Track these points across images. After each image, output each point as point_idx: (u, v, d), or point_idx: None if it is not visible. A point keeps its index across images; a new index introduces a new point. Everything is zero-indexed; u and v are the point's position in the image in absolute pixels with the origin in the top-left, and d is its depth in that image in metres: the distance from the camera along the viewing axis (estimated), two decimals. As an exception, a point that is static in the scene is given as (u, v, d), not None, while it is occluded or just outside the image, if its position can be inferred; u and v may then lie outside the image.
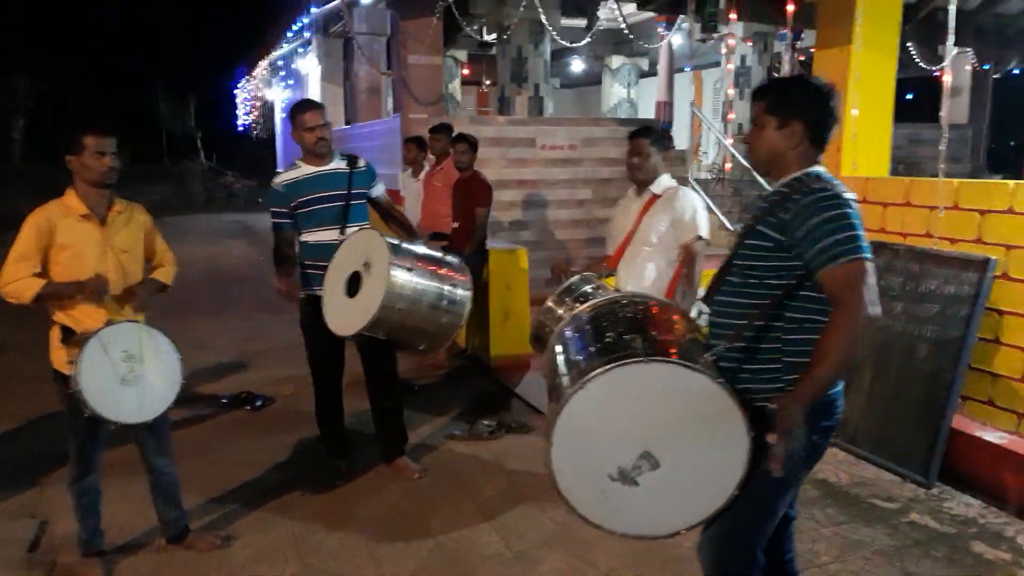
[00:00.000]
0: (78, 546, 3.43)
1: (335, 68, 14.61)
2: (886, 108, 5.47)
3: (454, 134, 6.59)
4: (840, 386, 2.28)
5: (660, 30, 10.74)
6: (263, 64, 18.28)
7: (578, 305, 3.18)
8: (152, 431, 3.37)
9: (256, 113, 21.55)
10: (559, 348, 2.49)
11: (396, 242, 3.74)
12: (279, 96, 19.73)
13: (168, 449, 3.48)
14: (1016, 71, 12.86)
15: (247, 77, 21.23)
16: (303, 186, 4.11)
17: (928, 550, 3.55)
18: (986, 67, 12.72)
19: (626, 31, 10.00)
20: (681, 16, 10.00)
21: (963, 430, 4.20)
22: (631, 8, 10.02)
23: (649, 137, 3.91)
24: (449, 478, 4.36)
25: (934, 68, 13.25)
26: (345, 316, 3.78)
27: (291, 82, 17.55)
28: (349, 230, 4.12)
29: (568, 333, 2.50)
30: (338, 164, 4.20)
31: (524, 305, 6.51)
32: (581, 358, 2.32)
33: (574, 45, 10.96)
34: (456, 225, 6.40)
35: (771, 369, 2.23)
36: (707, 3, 6.76)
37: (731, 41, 11.41)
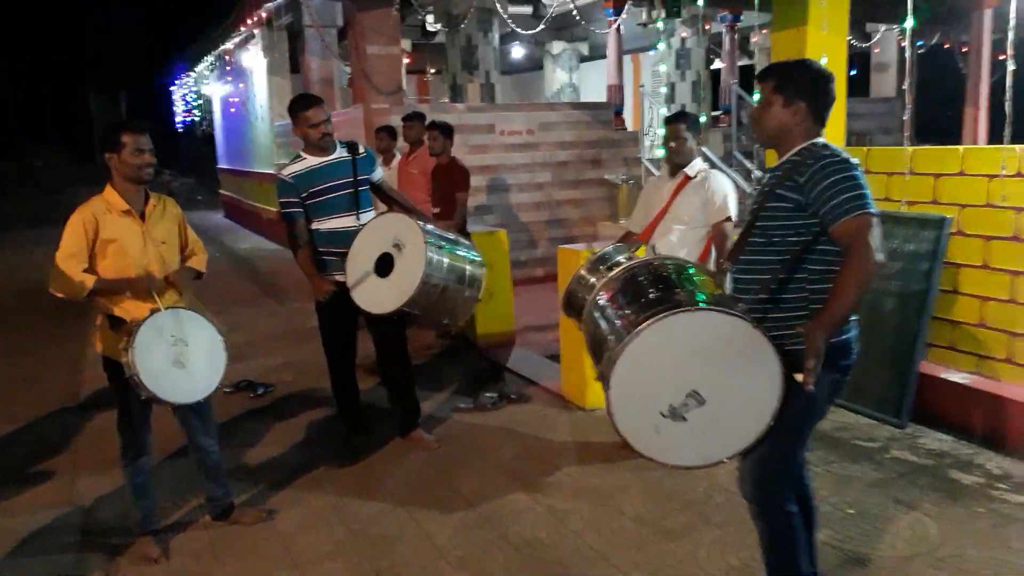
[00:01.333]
0: (133, 526, 3.58)
1: (280, 61, 14.55)
2: (839, 84, 5.86)
3: (429, 122, 6.79)
4: (855, 332, 2.61)
5: (608, 16, 11.06)
6: (207, 60, 18.00)
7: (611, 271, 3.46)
8: (198, 412, 3.55)
9: (198, 110, 21.21)
10: (604, 303, 2.74)
11: (425, 224, 3.96)
12: (219, 92, 19.47)
13: (213, 429, 3.67)
14: (942, 46, 13.61)
15: (186, 74, 20.85)
16: (312, 177, 4.28)
17: (912, 480, 3.95)
18: (919, 43, 13.42)
19: (577, 16, 10.28)
20: (629, 1, 10.35)
21: (930, 373, 4.64)
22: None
23: (686, 122, 4.20)
24: (464, 446, 4.62)
25: (865, 44, 13.93)
26: (379, 295, 3.97)
27: (231, 78, 17.37)
28: (364, 216, 4.31)
29: (613, 291, 2.76)
30: (341, 153, 4.36)
31: (507, 285, 6.79)
32: (629, 311, 2.59)
33: (527, 32, 11.20)
34: (437, 210, 6.61)
35: (798, 316, 2.54)
36: (672, -11, 7.08)
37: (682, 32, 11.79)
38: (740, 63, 15.43)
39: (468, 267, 4.03)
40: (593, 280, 3.37)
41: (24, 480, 4.41)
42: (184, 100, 22.01)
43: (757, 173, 10.05)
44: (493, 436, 4.76)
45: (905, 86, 4.73)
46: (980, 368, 4.55)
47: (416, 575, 3.28)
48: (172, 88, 22.69)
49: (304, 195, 4.27)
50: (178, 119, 22.72)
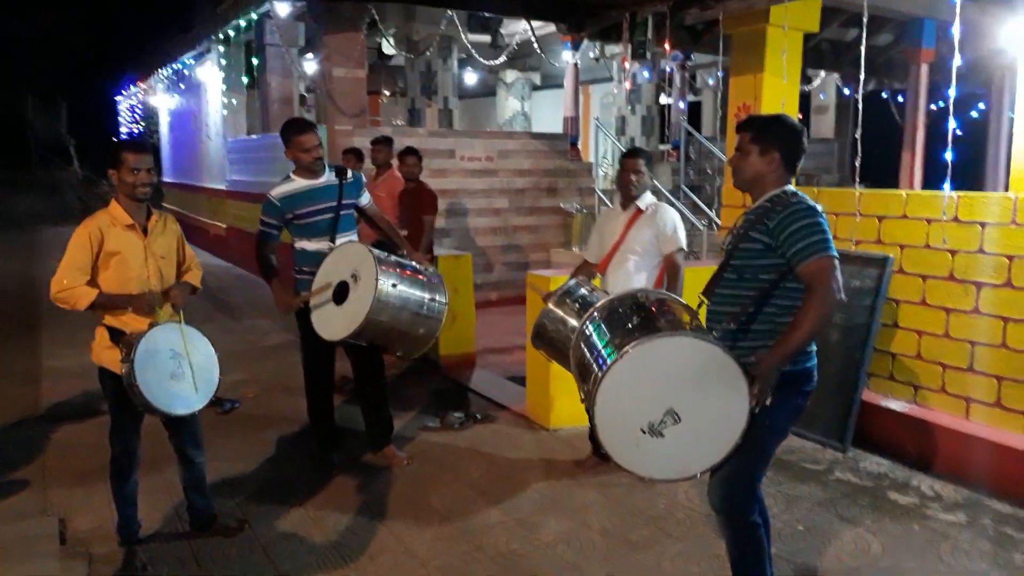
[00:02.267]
0: (117, 535, 3.66)
1: (235, 78, 14.56)
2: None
3: (404, 148, 6.98)
4: (814, 361, 2.90)
5: (565, 51, 11.43)
6: (160, 73, 17.83)
7: (577, 305, 3.71)
8: (188, 424, 3.66)
9: (144, 122, 20.94)
10: (590, 333, 2.98)
11: (383, 255, 4.06)
12: (168, 104, 19.28)
13: (201, 440, 3.77)
14: (884, 93, 14.37)
15: (134, 85, 20.60)
16: (299, 199, 4.42)
17: (854, 500, 4.27)
18: (847, 90, 14.15)
19: (537, 48, 10.61)
20: (585, 39, 10.70)
21: (871, 401, 5.00)
22: (536, 24, 10.62)
23: (644, 157, 4.47)
24: (434, 463, 4.78)
25: (807, 87, 14.61)
26: (332, 322, 4.09)
27: (183, 92, 17.26)
28: (339, 240, 4.46)
29: (596, 319, 3.00)
30: (329, 177, 4.52)
31: (470, 307, 6.99)
32: (614, 337, 2.84)
33: (487, 63, 11.49)
34: (405, 233, 6.77)
35: (764, 345, 2.80)
36: (636, 32, 7.45)
37: (626, 65, 12.22)
38: (688, 100, 15.99)
39: (426, 301, 4.07)
40: (561, 313, 3.61)
41: (-7, 490, 4.42)
42: (131, 111, 21.72)
43: (703, 206, 10.51)
44: (461, 454, 4.94)
45: (857, 134, 5.10)
46: (916, 398, 4.92)
47: (399, 583, 3.44)
48: (117, 99, 22.36)
49: (289, 216, 4.41)
50: (123, 130, 22.38)
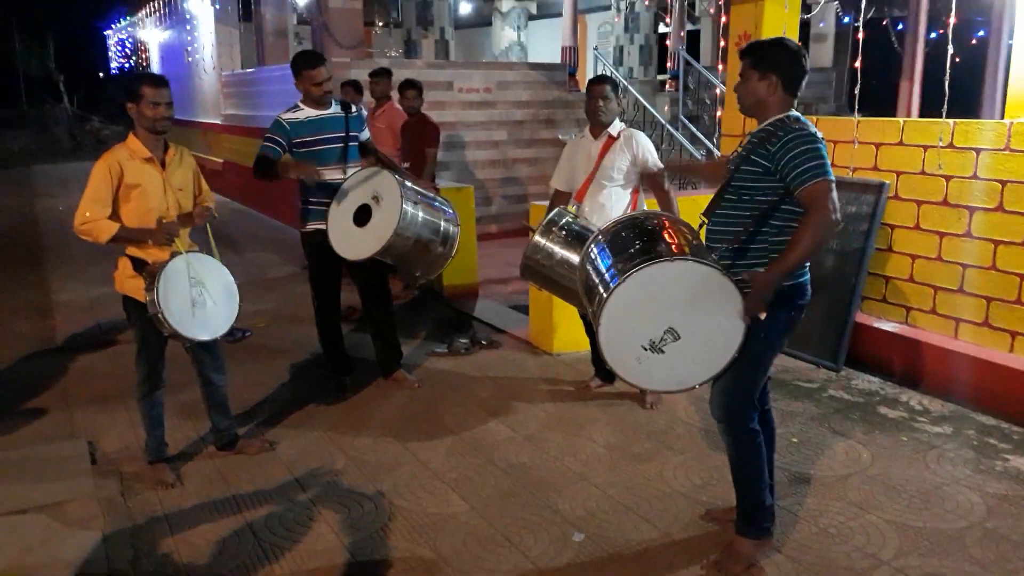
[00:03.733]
0: (146, 455, 3.84)
1: (229, 10, 14.36)
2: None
3: (404, 80, 6.99)
4: (807, 276, 3.04)
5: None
6: (149, 6, 17.53)
7: (563, 233, 3.84)
8: (210, 349, 3.82)
9: (136, 56, 20.65)
10: (594, 256, 3.12)
11: (402, 180, 4.25)
12: (159, 38, 19.01)
13: (223, 365, 3.94)
14: (879, 21, 14.22)
15: (124, 18, 20.25)
16: (308, 127, 4.50)
17: (846, 415, 4.48)
18: (848, 18, 14.01)
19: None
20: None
21: (863, 323, 5.17)
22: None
23: (610, 83, 4.52)
24: (444, 386, 4.97)
25: (806, 15, 14.45)
26: (356, 243, 4.26)
27: (174, 25, 17.01)
28: (350, 169, 4.57)
29: (601, 242, 3.12)
30: (336, 109, 4.61)
31: (472, 239, 7.10)
32: (617, 260, 2.97)
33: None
34: (407, 165, 6.85)
35: (759, 264, 2.93)
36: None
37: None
38: (687, 29, 15.82)
39: (442, 224, 4.34)
40: (546, 242, 3.74)
41: (19, 415, 4.59)
42: (121, 45, 21.40)
43: (701, 137, 10.54)
44: (469, 378, 5.12)
45: (857, 64, 5.15)
46: (908, 319, 5.10)
47: (417, 494, 3.64)
48: (107, 33, 21.99)
49: (295, 142, 4.49)
50: (113, 64, 22.07)
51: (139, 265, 3.53)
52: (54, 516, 3.45)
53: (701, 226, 3.14)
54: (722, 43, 6.37)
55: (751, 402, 3.06)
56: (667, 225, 3.16)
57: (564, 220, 3.95)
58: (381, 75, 7.41)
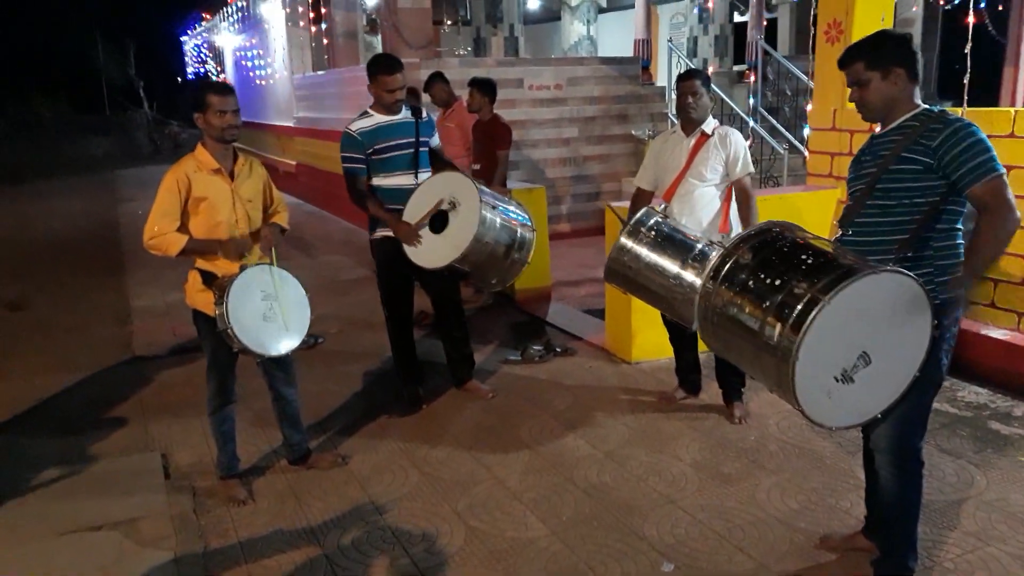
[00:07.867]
0: (218, 470, 3.77)
1: (301, 13, 14.48)
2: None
3: (470, 79, 6.83)
4: None
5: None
6: (223, 11, 17.86)
7: (652, 234, 3.56)
8: (281, 363, 3.72)
9: (210, 61, 21.10)
10: (745, 277, 2.58)
11: (480, 186, 4.10)
12: (233, 43, 19.36)
13: (294, 379, 3.84)
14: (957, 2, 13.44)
15: (200, 23, 20.71)
16: (379, 134, 4.38)
17: (954, 430, 4.14)
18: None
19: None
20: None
21: (968, 329, 4.79)
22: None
23: (700, 78, 4.25)
24: (518, 397, 4.80)
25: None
26: (433, 250, 4.14)
27: (247, 29, 17.27)
28: (422, 175, 4.44)
29: (753, 265, 2.61)
30: (406, 115, 4.48)
31: (544, 242, 6.92)
32: (792, 279, 2.45)
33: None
34: (477, 167, 6.70)
35: (925, 273, 2.58)
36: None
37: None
38: (765, 17, 15.30)
39: (519, 230, 4.20)
40: (632, 244, 3.48)
41: (97, 426, 4.60)
42: (196, 50, 21.88)
43: (781, 129, 10.12)
44: (545, 387, 4.94)
45: (967, 49, 4.79)
46: (1020, 326, 4.70)
47: (494, 515, 3.47)
48: (183, 38, 22.53)
49: (369, 151, 4.38)
50: (189, 69, 22.60)
51: (208, 278, 3.45)
52: (127, 534, 3.40)
53: (837, 237, 2.84)
54: (811, 31, 6.01)
55: (926, 427, 2.80)
56: (807, 235, 2.76)
57: (653, 220, 3.68)
58: (432, 82, 7.24)
